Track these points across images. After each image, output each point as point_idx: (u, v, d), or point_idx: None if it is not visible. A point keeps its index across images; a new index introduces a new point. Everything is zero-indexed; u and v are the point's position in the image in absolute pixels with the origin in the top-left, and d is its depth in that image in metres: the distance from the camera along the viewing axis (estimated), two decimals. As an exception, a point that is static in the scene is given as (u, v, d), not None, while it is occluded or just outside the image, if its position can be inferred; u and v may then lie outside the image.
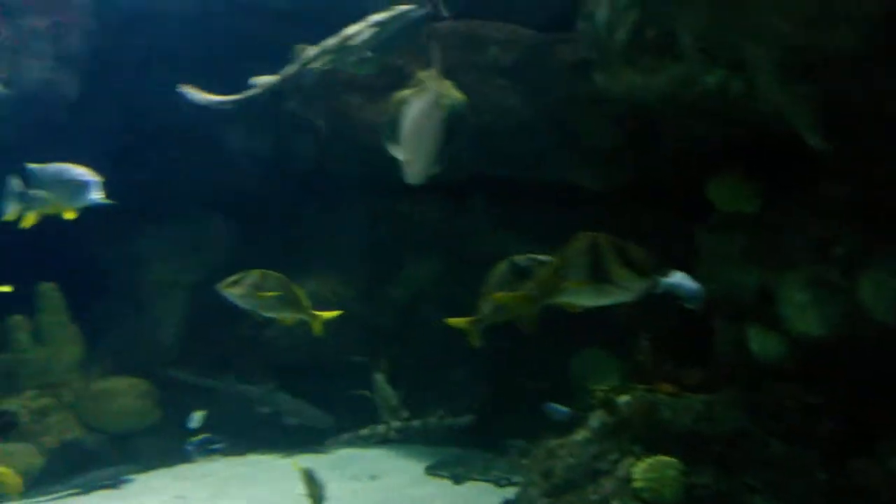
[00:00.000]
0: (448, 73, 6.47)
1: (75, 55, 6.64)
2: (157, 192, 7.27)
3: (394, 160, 6.69)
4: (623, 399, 4.57)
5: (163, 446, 7.16)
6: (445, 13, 5.95)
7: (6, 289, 6.02)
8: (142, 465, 6.89)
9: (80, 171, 4.35)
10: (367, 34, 5.73)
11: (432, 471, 6.59)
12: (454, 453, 6.91)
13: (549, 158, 6.49)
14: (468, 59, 6.43)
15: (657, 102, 4.46)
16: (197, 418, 6.96)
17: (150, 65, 6.90)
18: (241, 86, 6.21)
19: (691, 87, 4.14)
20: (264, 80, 5.96)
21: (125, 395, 7.10)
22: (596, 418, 4.65)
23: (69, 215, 4.39)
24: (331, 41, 5.84)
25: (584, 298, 3.52)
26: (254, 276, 4.40)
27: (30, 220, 4.35)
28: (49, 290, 7.09)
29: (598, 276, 3.33)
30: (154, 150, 7.34)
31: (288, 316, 4.53)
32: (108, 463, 6.74)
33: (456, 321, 4.21)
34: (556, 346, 7.22)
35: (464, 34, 6.50)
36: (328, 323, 7.35)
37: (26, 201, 4.35)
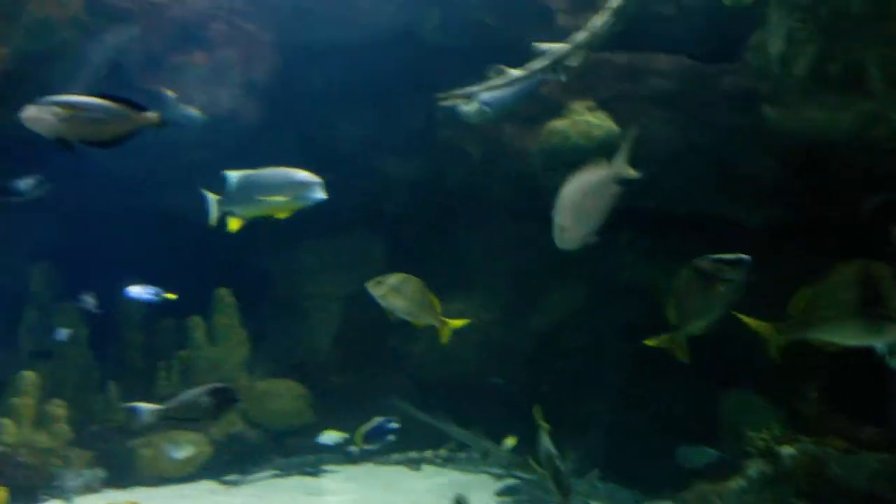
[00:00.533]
0: (603, 103, 6.31)
1: (259, 85, 7.06)
2: (320, 210, 7.56)
3: (542, 190, 6.57)
4: (787, 450, 4.10)
5: (313, 446, 7.36)
6: (563, 79, 5.77)
7: (171, 296, 6.45)
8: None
9: (305, 174, 4.50)
10: (491, 91, 5.67)
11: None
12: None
13: (703, 191, 6.10)
14: (625, 89, 6.19)
15: (841, 140, 4.02)
16: (331, 437, 6.95)
17: (323, 95, 7.20)
18: (403, 115, 6.34)
19: (881, 125, 3.69)
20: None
21: (284, 396, 7.40)
22: (754, 467, 4.22)
23: (282, 216, 4.51)
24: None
25: (849, 336, 3.07)
26: (395, 278, 4.57)
27: (235, 223, 4.53)
28: (224, 295, 7.54)
29: (871, 311, 2.85)
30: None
31: (420, 319, 4.60)
32: (267, 457, 7.02)
33: (656, 340, 3.90)
34: (698, 382, 6.77)
35: (622, 65, 6.28)
36: (470, 343, 7.42)
37: (234, 206, 4.49)
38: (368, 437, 6.44)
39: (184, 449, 6.58)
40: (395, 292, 4.51)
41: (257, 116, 7.12)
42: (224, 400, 4.56)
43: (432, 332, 7.53)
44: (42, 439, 6.30)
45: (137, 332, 7.53)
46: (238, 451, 6.97)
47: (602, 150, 6.17)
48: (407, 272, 6.77)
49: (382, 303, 4.55)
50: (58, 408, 6.49)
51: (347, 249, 7.94)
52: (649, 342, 3.89)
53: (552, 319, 7.10)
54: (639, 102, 6.23)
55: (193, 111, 6.50)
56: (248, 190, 4.45)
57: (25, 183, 6.43)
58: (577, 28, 6.12)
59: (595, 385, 7.07)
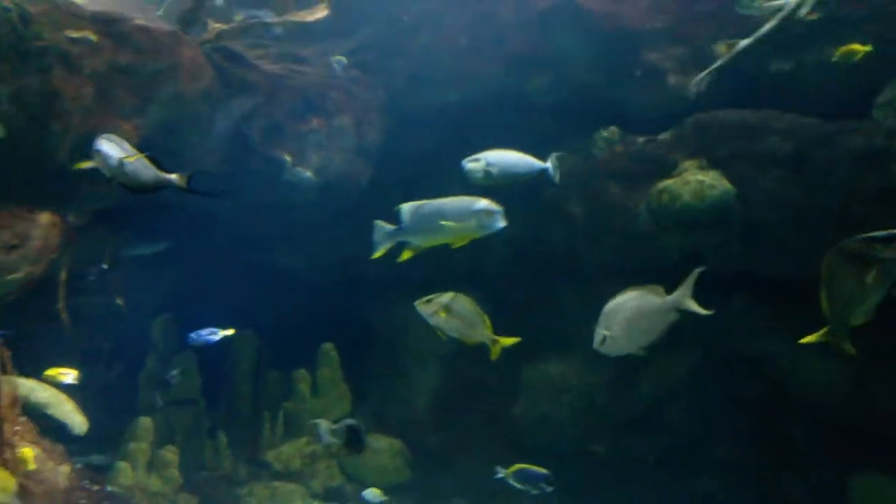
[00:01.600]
0: (716, 162, 6.03)
1: (370, 148, 7.27)
2: (421, 266, 7.62)
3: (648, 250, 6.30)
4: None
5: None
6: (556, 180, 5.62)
7: (230, 332, 6.51)
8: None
9: (485, 202, 4.46)
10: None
11: None
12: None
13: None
14: (741, 148, 5.89)
15: None
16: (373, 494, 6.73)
17: (429, 155, 7.31)
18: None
19: None
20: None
21: (383, 452, 7.33)
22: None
23: (460, 244, 4.47)
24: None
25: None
26: (446, 297, 4.57)
27: (408, 254, 4.55)
28: (328, 350, 7.66)
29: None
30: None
31: (471, 337, 4.59)
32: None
33: (814, 336, 3.62)
34: (822, 461, 6.17)
35: (736, 123, 6.00)
36: (571, 406, 7.10)
37: (410, 236, 4.48)
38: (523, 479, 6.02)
39: (285, 500, 6.61)
40: (445, 311, 4.49)
41: (367, 178, 7.31)
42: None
43: (532, 393, 7.37)
44: (154, 483, 6.51)
45: (246, 383, 7.75)
46: (335, 505, 6.95)
47: (715, 211, 5.89)
48: (507, 331, 6.66)
49: (432, 321, 4.53)
50: (170, 453, 6.72)
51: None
52: (807, 339, 3.61)
53: (660, 387, 6.69)
54: (755, 162, 5.91)
55: (307, 174, 6.75)
56: (426, 219, 4.41)
57: (146, 247, 6.86)
58: (687, 87, 5.96)
59: (706, 459, 6.57)
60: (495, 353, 4.64)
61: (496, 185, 5.59)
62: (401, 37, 7.23)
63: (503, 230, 4.56)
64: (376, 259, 7.49)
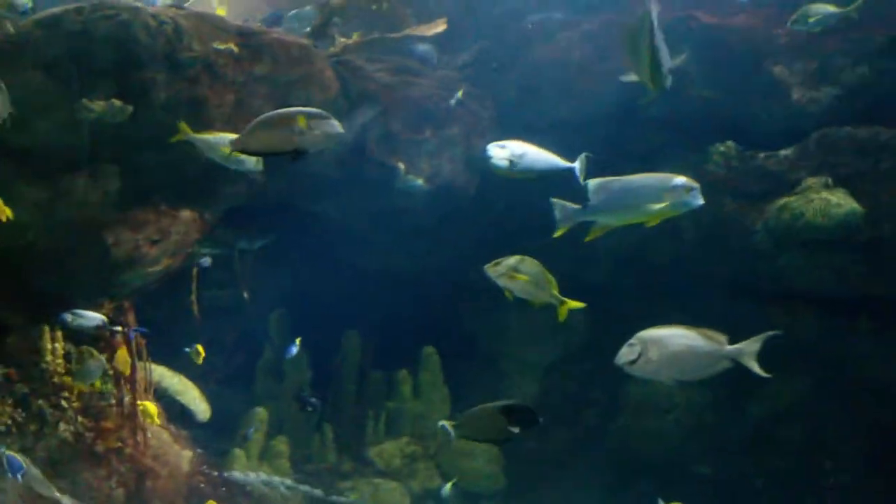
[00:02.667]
0: (841, 180, 5.77)
1: (477, 159, 7.36)
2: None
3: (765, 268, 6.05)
4: None
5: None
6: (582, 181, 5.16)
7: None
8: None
9: (683, 178, 4.17)
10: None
11: None
12: None
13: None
14: (869, 166, 5.62)
15: None
16: None
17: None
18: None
19: None
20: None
21: (479, 457, 7.36)
22: None
23: (653, 223, 4.22)
24: None
25: None
26: (513, 259, 4.55)
27: (596, 233, 4.33)
28: (430, 353, 7.77)
29: None
30: (527, 239, 7.73)
31: (538, 298, 4.60)
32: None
33: None
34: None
35: (864, 140, 5.72)
36: (677, 423, 6.90)
37: (598, 214, 4.21)
38: None
39: (387, 497, 6.74)
40: (513, 272, 4.47)
41: (474, 187, 7.41)
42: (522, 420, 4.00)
43: (635, 409, 7.22)
44: (266, 472, 6.78)
45: (351, 381, 7.97)
46: (432, 506, 7.04)
47: (840, 230, 5.63)
48: (609, 342, 6.58)
49: (500, 282, 4.49)
50: (281, 444, 6.99)
51: (551, 316, 7.85)
52: None
53: (772, 409, 6.43)
54: (884, 180, 5.61)
55: (419, 181, 6.91)
56: (616, 197, 4.15)
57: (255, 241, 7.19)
58: (814, 101, 5.74)
59: (817, 486, 6.26)
60: (562, 314, 4.68)
61: (516, 176, 5.52)
62: (512, 51, 7.30)
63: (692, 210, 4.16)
64: (478, 266, 7.59)
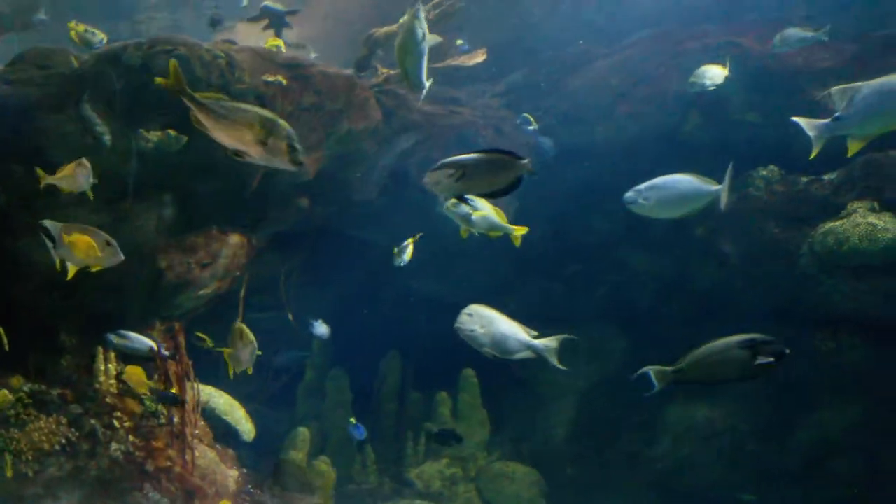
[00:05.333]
0: (888, 204, 5.58)
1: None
2: (564, 299, 7.55)
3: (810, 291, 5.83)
4: None
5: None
6: None
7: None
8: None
9: None
10: None
11: None
12: None
13: None
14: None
15: None
16: None
17: (576, 190, 7.25)
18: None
19: None
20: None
21: (519, 481, 7.21)
22: None
23: None
24: None
25: None
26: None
27: (856, 147, 3.56)
28: (469, 376, 7.67)
29: None
30: (570, 263, 7.64)
31: (494, 230, 4.69)
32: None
33: None
34: None
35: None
36: (718, 450, 6.67)
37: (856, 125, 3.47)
38: None
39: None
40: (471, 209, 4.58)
41: (513, 210, 7.35)
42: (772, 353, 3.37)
43: (675, 435, 7.02)
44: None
45: (391, 402, 7.91)
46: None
47: (887, 253, 5.42)
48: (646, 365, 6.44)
49: (459, 219, 4.58)
50: (323, 464, 6.95)
51: (590, 341, 7.73)
52: None
53: (820, 437, 6.17)
54: (933, 205, 5.41)
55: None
56: (879, 101, 3.38)
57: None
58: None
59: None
60: (516, 240, 4.80)
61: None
62: (550, 79, 7.29)
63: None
64: (517, 293, 7.53)
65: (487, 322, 4.20)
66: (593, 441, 7.46)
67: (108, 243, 4.03)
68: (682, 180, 4.57)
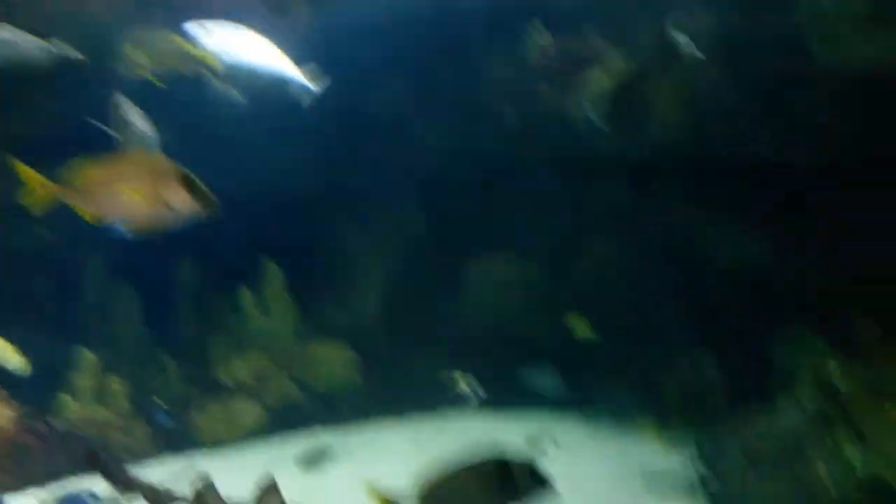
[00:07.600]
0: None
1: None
2: (363, 180, 7.32)
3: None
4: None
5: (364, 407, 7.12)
6: None
7: None
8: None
9: None
10: None
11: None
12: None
13: None
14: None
15: None
16: None
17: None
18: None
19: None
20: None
21: (333, 362, 7.14)
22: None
23: None
24: None
25: None
26: None
27: None
28: (271, 267, 7.29)
29: None
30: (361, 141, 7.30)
31: None
32: (320, 420, 6.78)
33: None
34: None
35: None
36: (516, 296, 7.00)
37: None
38: None
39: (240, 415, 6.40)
40: None
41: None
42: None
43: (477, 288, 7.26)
44: (102, 413, 6.18)
45: (190, 307, 7.34)
46: (291, 416, 6.78)
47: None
48: (449, 236, 6.41)
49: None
50: (115, 384, 6.36)
51: (393, 218, 7.66)
52: None
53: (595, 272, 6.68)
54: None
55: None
56: None
57: None
58: None
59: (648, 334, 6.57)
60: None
61: None
62: None
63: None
64: (312, 173, 7.04)
65: None
66: (404, 312, 7.52)
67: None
68: None
